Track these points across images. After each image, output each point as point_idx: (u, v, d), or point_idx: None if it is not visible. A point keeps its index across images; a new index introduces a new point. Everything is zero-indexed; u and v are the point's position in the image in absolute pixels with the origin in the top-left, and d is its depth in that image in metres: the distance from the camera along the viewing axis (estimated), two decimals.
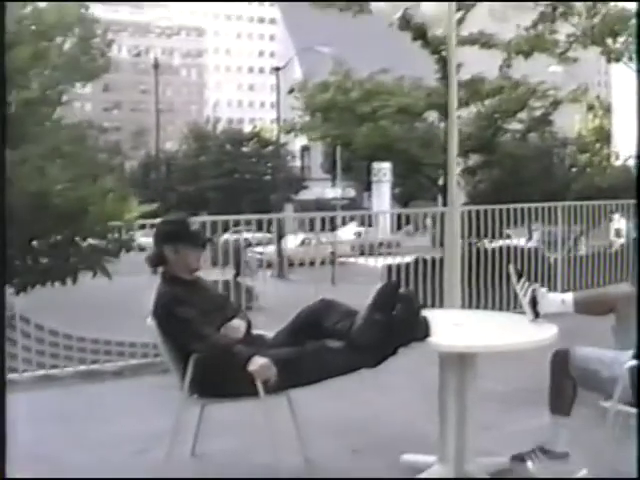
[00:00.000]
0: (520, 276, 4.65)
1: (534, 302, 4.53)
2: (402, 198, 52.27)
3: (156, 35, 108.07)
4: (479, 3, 13.84)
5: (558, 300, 4.60)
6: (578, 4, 17.38)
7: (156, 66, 49.82)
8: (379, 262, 12.95)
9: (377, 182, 55.22)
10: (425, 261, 10.66)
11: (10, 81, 2.87)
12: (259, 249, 19.63)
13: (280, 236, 22.03)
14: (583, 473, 4.49)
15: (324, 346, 4.37)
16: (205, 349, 4.43)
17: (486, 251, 10.60)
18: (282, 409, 4.83)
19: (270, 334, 4.87)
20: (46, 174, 2.61)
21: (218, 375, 4.45)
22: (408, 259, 10.98)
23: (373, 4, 8.64)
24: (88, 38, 34.38)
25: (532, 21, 17.31)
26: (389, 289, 4.35)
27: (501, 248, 10.99)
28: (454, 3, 8.43)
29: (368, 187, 58.75)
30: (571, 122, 23.17)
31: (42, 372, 7.42)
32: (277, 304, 4.85)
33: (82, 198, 2.74)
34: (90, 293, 7.27)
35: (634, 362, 4.13)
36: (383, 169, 50.35)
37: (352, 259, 17.13)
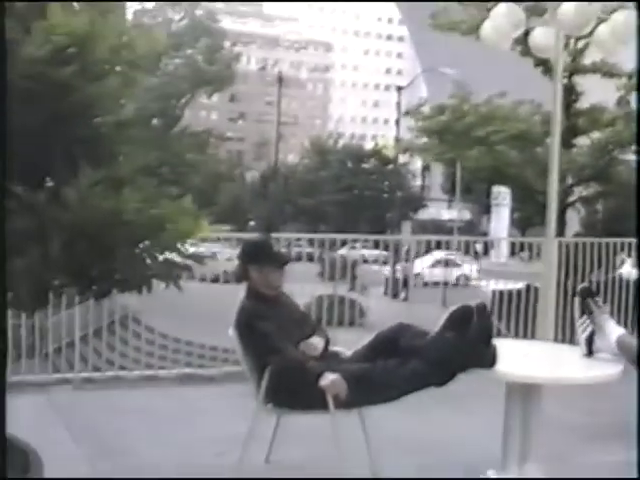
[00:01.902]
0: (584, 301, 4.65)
1: (591, 340, 4.56)
2: (521, 223, 51.78)
3: (284, 48, 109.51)
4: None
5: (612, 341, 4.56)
6: None
7: (280, 80, 50.57)
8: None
9: (496, 205, 55.00)
10: (536, 289, 10.52)
11: (101, 106, 3.13)
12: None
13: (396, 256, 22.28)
14: None
15: (394, 363, 4.51)
16: (280, 363, 4.66)
17: (598, 282, 10.42)
18: (355, 423, 5.01)
19: (347, 352, 5.07)
20: (122, 193, 2.85)
21: (292, 388, 4.67)
22: (520, 285, 10.94)
23: (482, 32, 8.74)
24: (215, 50, 35.28)
25: None
26: (463, 311, 4.47)
27: (613, 279, 10.85)
28: (562, 32, 8.51)
29: (487, 210, 58.48)
30: None
31: (146, 372, 7.83)
32: (387, 322, 4.97)
33: (158, 216, 2.98)
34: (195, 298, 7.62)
35: None
36: (503, 193, 50.09)
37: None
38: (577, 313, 4.69)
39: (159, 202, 3.05)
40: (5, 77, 2.74)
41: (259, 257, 5.01)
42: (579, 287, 4.88)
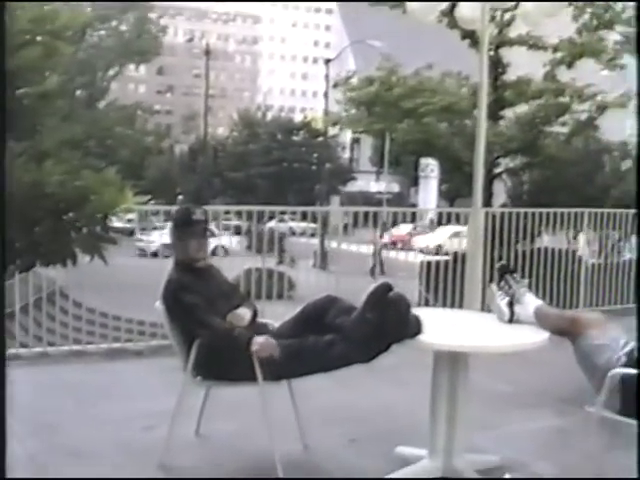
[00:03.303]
0: (502, 277, 4.78)
1: (511, 305, 4.66)
2: (449, 194, 52.05)
3: (212, 20, 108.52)
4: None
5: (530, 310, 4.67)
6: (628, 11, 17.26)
7: (208, 52, 50.16)
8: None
9: (424, 178, 55.37)
10: (463, 259, 10.54)
11: (22, 78, 3.07)
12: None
13: (324, 228, 22.37)
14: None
15: (322, 339, 4.52)
16: (208, 335, 4.64)
17: (524, 252, 10.56)
18: (285, 396, 5.03)
19: (276, 324, 5.07)
20: (43, 166, 2.80)
21: (220, 359, 4.66)
22: (447, 256, 11.02)
23: (408, 5, 8.77)
24: (142, 22, 34.88)
25: (577, 29, 17.30)
26: (380, 290, 4.48)
27: (539, 249, 11.01)
28: (488, 5, 8.57)
29: (415, 182, 58.82)
30: (621, 127, 22.81)
31: (74, 348, 7.76)
32: (316, 294, 4.98)
33: (82, 188, 2.93)
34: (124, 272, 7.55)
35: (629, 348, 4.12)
36: (430, 165, 50.40)
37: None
38: (494, 288, 4.79)
39: (83, 174, 3.00)
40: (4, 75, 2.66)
41: (177, 225, 5.01)
42: (497, 265, 4.98)
